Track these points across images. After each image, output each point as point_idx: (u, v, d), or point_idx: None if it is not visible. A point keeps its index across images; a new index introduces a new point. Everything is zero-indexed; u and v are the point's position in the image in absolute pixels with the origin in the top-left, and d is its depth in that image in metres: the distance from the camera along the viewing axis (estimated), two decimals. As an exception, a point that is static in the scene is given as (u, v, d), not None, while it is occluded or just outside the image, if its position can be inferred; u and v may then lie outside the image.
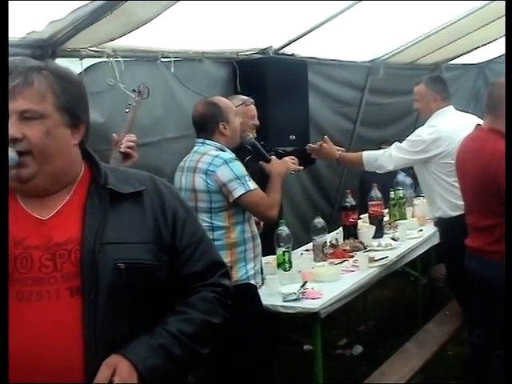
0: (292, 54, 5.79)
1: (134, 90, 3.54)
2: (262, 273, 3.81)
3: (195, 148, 3.74)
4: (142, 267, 1.85)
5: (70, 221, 1.85)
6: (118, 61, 4.15)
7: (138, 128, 4.50)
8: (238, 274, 3.58)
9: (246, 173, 3.59)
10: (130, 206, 1.91)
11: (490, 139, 3.66)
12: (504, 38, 8.04)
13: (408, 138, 4.80)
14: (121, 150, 3.22)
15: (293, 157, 4.47)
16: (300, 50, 5.85)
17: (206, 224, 3.51)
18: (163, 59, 4.63)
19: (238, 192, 3.53)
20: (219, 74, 5.27)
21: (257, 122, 4.53)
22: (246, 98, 4.59)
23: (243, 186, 3.54)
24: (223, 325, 1.97)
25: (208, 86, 5.03)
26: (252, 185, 3.57)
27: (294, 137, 5.35)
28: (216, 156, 3.59)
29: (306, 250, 4.77)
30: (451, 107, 4.88)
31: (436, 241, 5.21)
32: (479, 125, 3.92)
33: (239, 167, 3.58)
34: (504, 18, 6.70)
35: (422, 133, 4.73)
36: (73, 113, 1.88)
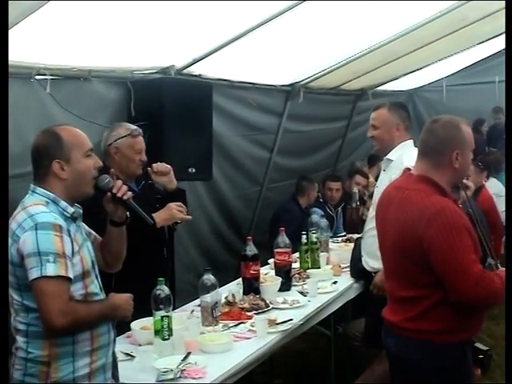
0: (199, 75, 5.21)
1: None
2: (115, 367, 2.87)
3: (25, 197, 2.72)
4: None
5: None
6: (-24, 77, 3.50)
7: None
8: (60, 372, 2.59)
9: (62, 250, 2.53)
10: None
11: (419, 190, 2.91)
12: (433, 64, 7.80)
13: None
14: None
15: (180, 203, 3.84)
16: (209, 70, 5.33)
17: (17, 303, 2.60)
18: (38, 76, 4.04)
19: (32, 274, 2.49)
20: (109, 95, 4.73)
21: (144, 157, 4.00)
22: (134, 127, 3.96)
23: (40, 267, 2.47)
24: None
25: (95, 109, 4.55)
26: (52, 269, 2.48)
27: (194, 169, 4.73)
28: (30, 216, 2.56)
29: (199, 306, 4.02)
30: (412, 142, 4.22)
31: (353, 295, 4.66)
32: (408, 169, 3.15)
33: (49, 238, 2.52)
34: (438, 41, 6.47)
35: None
36: None
